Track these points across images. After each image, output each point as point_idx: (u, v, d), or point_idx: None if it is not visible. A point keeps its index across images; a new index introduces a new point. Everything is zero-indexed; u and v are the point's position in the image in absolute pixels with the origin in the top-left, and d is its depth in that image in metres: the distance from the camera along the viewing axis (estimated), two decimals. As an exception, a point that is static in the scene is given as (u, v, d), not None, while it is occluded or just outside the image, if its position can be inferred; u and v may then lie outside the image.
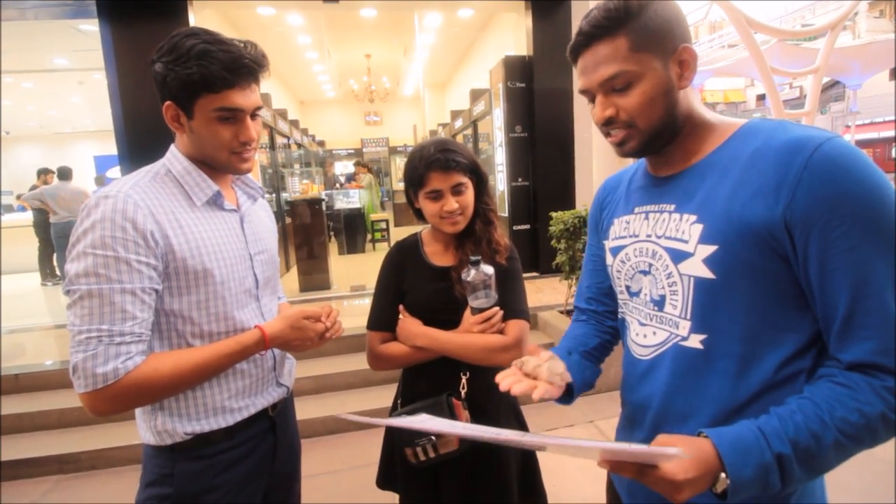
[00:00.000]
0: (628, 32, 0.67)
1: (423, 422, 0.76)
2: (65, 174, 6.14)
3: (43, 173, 6.54)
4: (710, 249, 0.66)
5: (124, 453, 2.60)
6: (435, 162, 1.13)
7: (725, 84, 8.98)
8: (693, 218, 0.69)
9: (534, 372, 0.74)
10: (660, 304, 0.74)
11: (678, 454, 0.51)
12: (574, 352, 0.89)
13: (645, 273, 0.77)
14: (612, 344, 0.95)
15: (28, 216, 6.89)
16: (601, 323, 0.95)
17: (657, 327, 0.75)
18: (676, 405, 0.72)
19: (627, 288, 0.82)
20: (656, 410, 0.75)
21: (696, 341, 0.69)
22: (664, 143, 0.74)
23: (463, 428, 0.72)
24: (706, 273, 0.66)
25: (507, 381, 0.72)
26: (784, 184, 0.61)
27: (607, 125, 0.73)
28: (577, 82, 0.75)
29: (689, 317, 0.70)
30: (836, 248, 0.59)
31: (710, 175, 0.70)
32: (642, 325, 0.78)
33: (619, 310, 0.87)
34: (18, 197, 8.52)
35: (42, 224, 6.29)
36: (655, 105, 0.69)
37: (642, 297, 0.78)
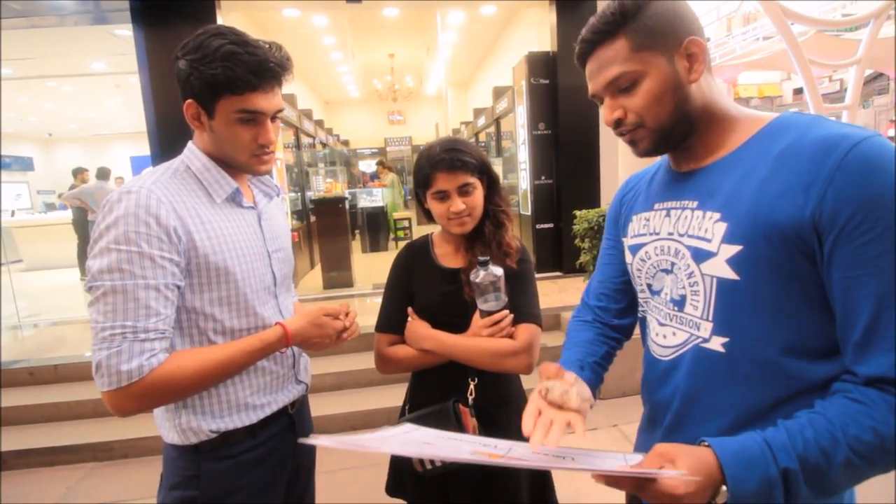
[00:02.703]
0: (628, 33, 0.68)
1: (422, 447, 0.71)
2: (103, 174, 6.44)
3: (78, 172, 6.84)
4: (734, 249, 0.64)
5: (155, 443, 2.68)
6: (440, 162, 1.10)
7: (760, 78, 8.63)
8: (716, 216, 0.67)
9: (561, 399, 0.68)
10: (680, 304, 0.72)
11: (679, 478, 0.49)
12: (586, 366, 0.85)
13: (667, 272, 0.74)
14: (617, 349, 0.93)
15: (68, 214, 7.24)
16: (607, 324, 0.92)
17: (677, 328, 0.73)
18: (696, 408, 0.70)
19: (649, 286, 0.79)
20: (676, 412, 0.73)
21: (717, 344, 0.67)
22: (679, 139, 0.72)
23: (458, 450, 0.66)
24: (730, 274, 0.64)
25: (537, 433, 0.63)
26: (815, 183, 0.58)
27: (617, 127, 0.73)
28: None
29: (710, 318, 0.67)
30: (865, 254, 0.56)
31: (735, 171, 0.67)
32: (661, 324, 0.76)
33: (640, 308, 0.85)
34: (60, 196, 8.98)
35: (81, 222, 6.60)
36: (663, 102, 0.68)
37: (663, 296, 0.75)
